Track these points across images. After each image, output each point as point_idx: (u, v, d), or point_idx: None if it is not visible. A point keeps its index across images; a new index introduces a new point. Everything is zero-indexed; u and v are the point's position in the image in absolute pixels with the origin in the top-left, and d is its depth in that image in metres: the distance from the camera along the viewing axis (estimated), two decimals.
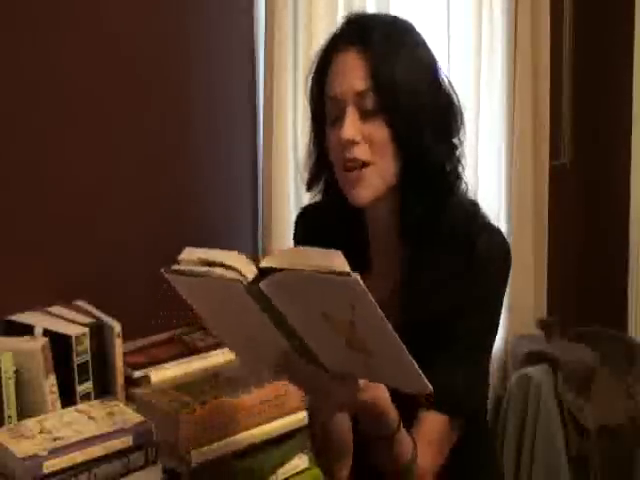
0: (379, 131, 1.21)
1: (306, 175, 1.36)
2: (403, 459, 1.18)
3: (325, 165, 1.30)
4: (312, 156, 1.34)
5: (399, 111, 1.20)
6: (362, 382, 1.07)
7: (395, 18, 1.31)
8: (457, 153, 1.28)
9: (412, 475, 1.20)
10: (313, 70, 1.30)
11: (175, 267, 1.03)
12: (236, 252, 1.00)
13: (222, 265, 0.98)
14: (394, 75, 1.20)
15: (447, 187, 1.26)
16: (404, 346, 0.97)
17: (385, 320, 0.95)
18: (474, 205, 1.31)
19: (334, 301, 0.94)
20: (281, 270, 0.94)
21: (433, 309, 1.23)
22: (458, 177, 1.28)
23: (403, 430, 1.17)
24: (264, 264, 0.96)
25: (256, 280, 0.96)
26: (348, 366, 1.04)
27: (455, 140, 1.28)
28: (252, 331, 1.05)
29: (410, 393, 1.05)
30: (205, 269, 1.00)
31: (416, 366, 0.99)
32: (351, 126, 1.20)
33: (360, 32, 1.24)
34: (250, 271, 0.96)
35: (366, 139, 1.21)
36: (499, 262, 1.29)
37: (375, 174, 1.22)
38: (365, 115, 1.21)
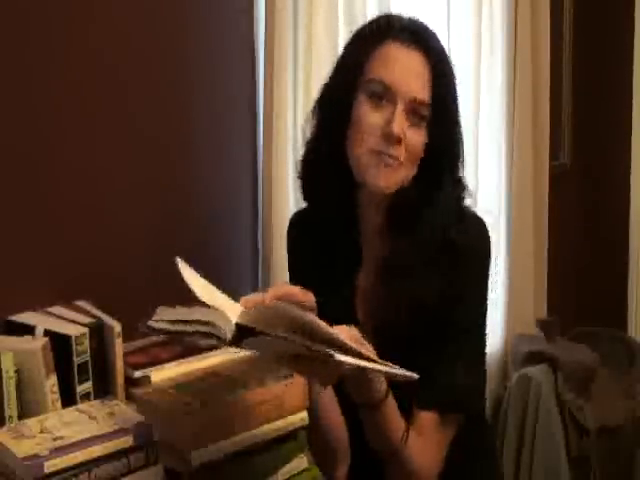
0: (418, 138, 1.25)
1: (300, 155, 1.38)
2: (394, 439, 1.19)
3: (332, 159, 1.30)
4: (315, 142, 1.34)
5: (442, 126, 1.25)
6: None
7: (428, 26, 1.32)
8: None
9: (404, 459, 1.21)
10: (350, 50, 1.31)
11: (151, 324, 1.05)
12: (215, 295, 1.03)
13: (199, 322, 1.01)
14: (447, 92, 1.25)
15: (450, 189, 1.30)
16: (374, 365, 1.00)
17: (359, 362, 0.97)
18: (458, 199, 1.33)
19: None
20: (259, 332, 0.97)
21: (412, 290, 1.24)
22: (462, 184, 1.33)
23: (393, 402, 1.18)
24: (241, 321, 0.99)
25: (235, 339, 0.99)
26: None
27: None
28: None
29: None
30: (181, 327, 1.02)
31: (388, 368, 1.01)
32: (400, 123, 1.22)
33: (417, 35, 1.26)
34: (229, 329, 0.99)
35: (405, 140, 1.24)
36: (478, 251, 1.30)
37: (401, 175, 1.25)
38: (411, 118, 1.24)
